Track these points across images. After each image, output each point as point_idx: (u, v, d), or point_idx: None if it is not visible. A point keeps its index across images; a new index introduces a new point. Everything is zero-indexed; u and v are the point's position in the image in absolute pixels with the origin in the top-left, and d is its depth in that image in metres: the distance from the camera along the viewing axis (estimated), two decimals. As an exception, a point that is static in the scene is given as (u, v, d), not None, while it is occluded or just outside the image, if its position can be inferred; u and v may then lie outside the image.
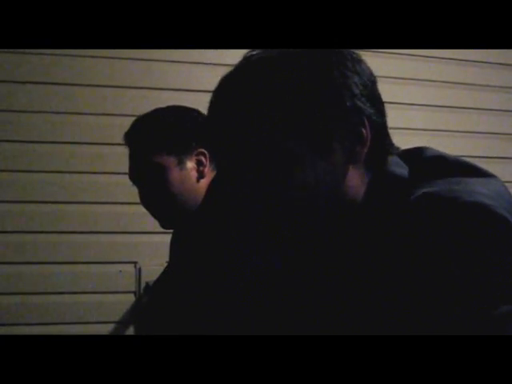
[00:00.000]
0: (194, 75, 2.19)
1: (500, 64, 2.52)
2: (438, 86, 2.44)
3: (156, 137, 1.19)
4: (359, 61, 0.66)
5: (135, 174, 1.22)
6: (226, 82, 0.66)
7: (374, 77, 0.67)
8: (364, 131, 0.63)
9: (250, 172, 0.64)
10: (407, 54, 2.34)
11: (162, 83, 2.17)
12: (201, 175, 1.21)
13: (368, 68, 0.67)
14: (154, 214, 1.24)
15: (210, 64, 2.14)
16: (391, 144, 0.69)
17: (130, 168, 1.23)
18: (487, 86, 2.50)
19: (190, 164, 1.20)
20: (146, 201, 1.22)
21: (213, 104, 0.66)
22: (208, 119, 0.67)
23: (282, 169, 0.62)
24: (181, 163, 1.19)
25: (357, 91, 0.63)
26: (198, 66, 2.19)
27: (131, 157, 1.23)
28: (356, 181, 0.65)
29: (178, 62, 2.18)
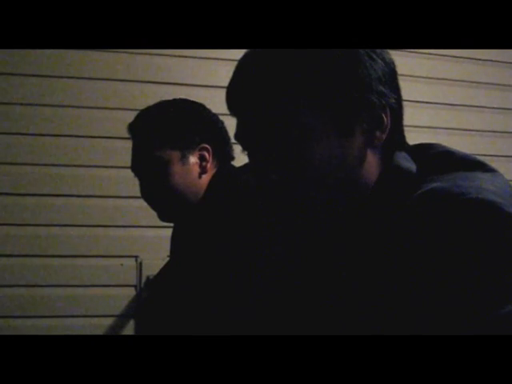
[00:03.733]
0: (199, 70, 2.18)
1: (507, 62, 2.52)
2: (442, 83, 2.43)
3: (160, 130, 1.18)
4: (385, 51, 0.66)
5: (137, 166, 1.22)
6: (251, 54, 0.66)
7: (396, 69, 0.68)
8: (385, 117, 0.63)
9: (270, 144, 0.64)
10: (413, 51, 2.33)
11: (166, 77, 2.16)
12: (203, 170, 1.20)
13: (392, 58, 0.67)
14: (153, 206, 1.23)
15: (216, 59, 2.14)
16: (404, 138, 0.69)
17: (133, 160, 1.23)
18: (492, 84, 2.49)
19: (193, 159, 1.19)
20: (147, 193, 1.22)
21: (239, 73, 0.66)
22: (228, 95, 0.67)
23: (301, 143, 0.62)
24: (183, 158, 1.18)
25: (382, 76, 0.63)
26: (203, 61, 2.18)
27: (134, 149, 1.22)
28: (371, 166, 0.65)
29: (183, 56, 2.17)
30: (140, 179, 1.23)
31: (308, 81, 0.62)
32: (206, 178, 1.20)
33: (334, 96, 0.62)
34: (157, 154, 1.17)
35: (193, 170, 1.19)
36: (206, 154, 1.20)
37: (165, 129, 1.18)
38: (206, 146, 1.21)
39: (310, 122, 0.61)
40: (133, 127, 1.22)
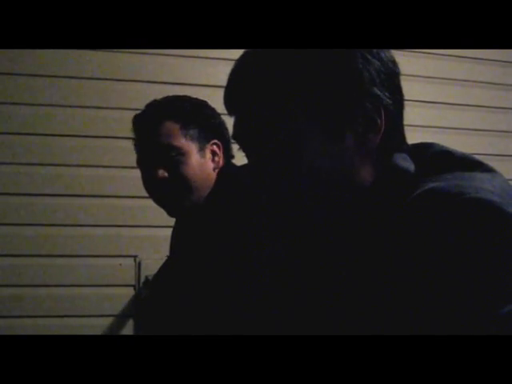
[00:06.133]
0: (200, 69, 2.18)
1: (507, 62, 2.52)
2: (442, 82, 2.44)
3: (179, 121, 1.17)
4: (384, 50, 0.65)
5: (151, 158, 1.17)
6: (244, 59, 0.66)
7: (398, 68, 0.66)
8: (378, 120, 0.63)
9: (261, 151, 0.64)
10: (413, 51, 2.33)
11: (167, 77, 2.16)
12: (216, 165, 1.20)
13: (392, 57, 0.66)
14: (165, 200, 1.19)
15: (217, 59, 2.13)
16: (404, 138, 0.68)
17: (145, 152, 1.19)
18: (492, 83, 2.50)
19: (208, 153, 1.20)
20: (160, 186, 1.17)
21: (234, 73, 0.66)
22: (225, 94, 0.67)
23: (291, 146, 0.61)
24: (201, 150, 1.18)
25: (376, 77, 0.62)
26: (204, 61, 2.18)
27: (146, 140, 1.19)
28: (365, 170, 0.64)
29: (184, 56, 2.17)
30: (152, 172, 1.17)
31: (299, 84, 0.61)
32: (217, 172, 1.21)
33: (324, 99, 0.61)
34: (176, 144, 1.15)
35: (208, 163, 1.19)
36: (217, 149, 1.21)
37: (184, 120, 1.17)
38: (217, 141, 1.21)
39: (300, 124, 0.61)
40: (144, 119, 1.20)
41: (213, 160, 1.20)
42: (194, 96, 1.27)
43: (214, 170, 1.20)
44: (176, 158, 1.15)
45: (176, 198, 1.17)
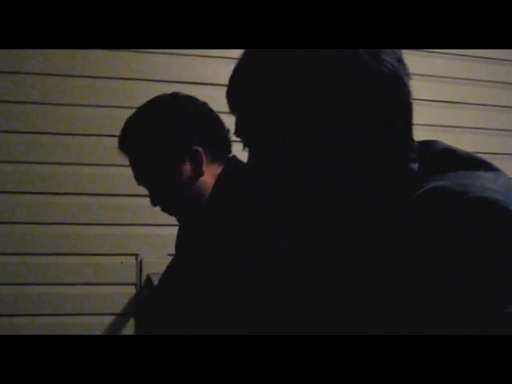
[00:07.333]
0: (201, 68, 2.18)
1: (507, 60, 2.52)
2: (444, 81, 2.43)
3: (152, 142, 1.16)
4: (381, 57, 0.62)
5: (142, 178, 1.20)
6: (246, 58, 0.66)
7: (402, 68, 0.64)
8: (376, 121, 0.61)
9: (261, 150, 0.65)
10: (415, 50, 2.33)
11: (168, 76, 2.16)
12: (200, 171, 1.17)
13: (395, 57, 0.63)
14: (163, 210, 1.23)
15: (218, 57, 2.13)
16: (411, 136, 0.67)
17: (134, 172, 1.21)
18: (494, 81, 2.49)
19: (190, 160, 1.17)
20: (153, 201, 1.21)
21: (232, 76, 0.67)
22: (227, 92, 0.67)
23: (289, 149, 0.62)
24: (182, 159, 1.16)
25: (376, 79, 0.60)
26: (205, 59, 2.18)
27: (130, 161, 1.20)
28: (366, 169, 0.63)
29: (185, 55, 2.17)
30: (150, 187, 1.21)
31: (298, 84, 0.61)
32: (205, 176, 1.18)
33: (323, 100, 0.60)
34: (154, 163, 1.15)
35: (192, 170, 1.17)
36: (199, 155, 1.17)
37: (156, 138, 1.15)
38: (198, 148, 1.17)
39: (299, 125, 0.61)
40: (120, 142, 1.20)
41: (194, 166, 1.17)
42: (195, 95, 1.26)
43: (200, 175, 1.17)
44: (158, 176, 1.16)
45: (171, 210, 1.21)
